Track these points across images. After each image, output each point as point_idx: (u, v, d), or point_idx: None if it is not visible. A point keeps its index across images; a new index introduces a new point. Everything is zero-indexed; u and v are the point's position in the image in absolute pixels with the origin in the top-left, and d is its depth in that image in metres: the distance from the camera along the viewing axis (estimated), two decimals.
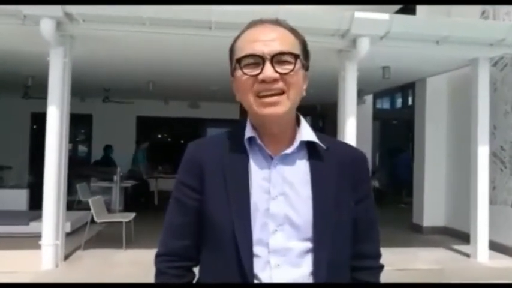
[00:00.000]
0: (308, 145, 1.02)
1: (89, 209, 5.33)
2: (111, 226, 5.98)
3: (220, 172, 0.99)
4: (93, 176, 8.80)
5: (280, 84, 0.94)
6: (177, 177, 1.06)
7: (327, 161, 1.01)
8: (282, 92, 0.94)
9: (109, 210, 6.73)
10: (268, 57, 0.93)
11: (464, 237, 5.72)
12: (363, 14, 4.49)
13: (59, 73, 4.52)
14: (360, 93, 7.46)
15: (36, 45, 4.72)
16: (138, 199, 9.27)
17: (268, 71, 0.92)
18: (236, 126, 1.05)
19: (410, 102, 11.83)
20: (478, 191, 5.19)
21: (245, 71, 0.95)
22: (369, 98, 10.15)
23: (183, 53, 5.58)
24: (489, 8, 5.96)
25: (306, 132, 1.02)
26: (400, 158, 10.52)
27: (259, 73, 0.93)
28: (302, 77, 0.99)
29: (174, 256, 1.03)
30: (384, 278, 1.12)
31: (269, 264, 0.94)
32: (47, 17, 4.15)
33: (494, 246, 5.35)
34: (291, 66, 0.94)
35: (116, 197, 7.99)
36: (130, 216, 5.64)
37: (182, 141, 11.39)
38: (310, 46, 1.06)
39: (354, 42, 4.71)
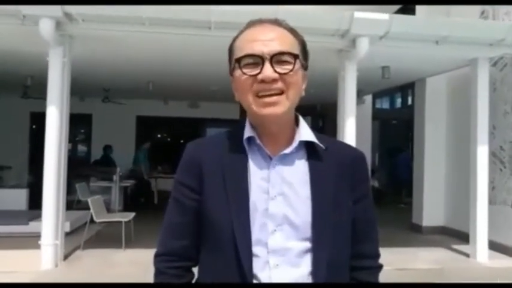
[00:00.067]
0: (307, 145, 1.02)
1: (88, 208, 5.33)
2: (110, 226, 5.98)
3: (219, 172, 0.99)
4: (93, 175, 8.80)
5: (279, 84, 0.94)
6: (176, 177, 1.06)
7: (326, 161, 1.01)
8: (281, 92, 0.94)
9: (108, 210, 6.73)
10: (268, 57, 0.93)
11: (464, 237, 5.73)
12: (362, 14, 4.50)
13: (58, 73, 4.52)
14: (360, 93, 7.46)
15: (35, 45, 4.72)
16: (138, 199, 9.28)
17: (268, 70, 0.92)
18: (235, 126, 1.05)
19: (409, 102, 11.84)
20: (478, 191, 5.19)
21: (244, 70, 0.95)
22: (368, 98, 10.15)
23: (183, 53, 5.58)
24: (488, 8, 5.96)
25: (305, 132, 1.02)
26: (400, 158, 10.53)
27: (259, 73, 0.93)
28: (301, 77, 0.99)
29: (173, 256, 1.03)
30: (384, 277, 1.12)
31: (268, 264, 0.94)
32: (46, 17, 4.14)
33: (493, 246, 5.35)
34: (290, 66, 0.94)
35: (116, 196, 8.00)
36: (130, 216, 5.64)
37: (182, 141, 11.39)
38: (310, 46, 1.06)
39: (353, 42, 4.71)
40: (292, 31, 1.00)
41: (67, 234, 5.13)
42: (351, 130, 4.94)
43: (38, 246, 4.43)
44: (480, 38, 4.97)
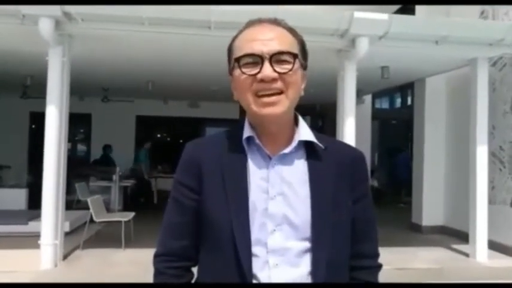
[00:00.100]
0: (306, 145, 1.02)
1: (88, 208, 5.33)
2: (110, 225, 5.98)
3: (218, 172, 0.99)
4: (92, 175, 8.80)
5: (278, 84, 0.94)
6: (175, 177, 1.06)
7: (325, 161, 1.01)
8: (280, 92, 0.94)
9: (108, 209, 6.73)
10: (267, 56, 0.93)
11: (463, 237, 5.73)
12: (362, 14, 4.50)
13: (57, 72, 4.51)
14: (359, 93, 7.47)
15: (35, 45, 4.71)
16: (138, 199, 9.29)
17: (267, 70, 0.92)
18: (234, 126, 1.05)
19: (409, 102, 11.85)
20: (477, 191, 5.20)
21: (244, 70, 0.95)
22: (368, 98, 10.16)
23: (183, 52, 5.58)
24: (488, 8, 5.96)
25: (304, 132, 1.02)
26: (399, 157, 10.54)
27: (258, 72, 0.93)
28: (301, 77, 0.99)
29: (173, 256, 1.03)
30: (383, 277, 1.12)
31: (268, 264, 0.94)
32: (45, 17, 4.14)
33: (493, 245, 5.36)
34: (289, 66, 0.94)
35: (115, 196, 8.00)
36: (130, 215, 5.64)
37: (181, 141, 11.39)
38: (310, 46, 1.06)
39: (353, 42, 4.71)
40: (292, 31, 1.00)
41: (66, 234, 5.13)
42: (350, 130, 4.94)
43: (37, 246, 4.43)
44: (479, 38, 4.97)
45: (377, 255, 1.11)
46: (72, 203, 7.28)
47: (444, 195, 6.93)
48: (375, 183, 10.33)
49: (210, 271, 1.00)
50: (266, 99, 0.94)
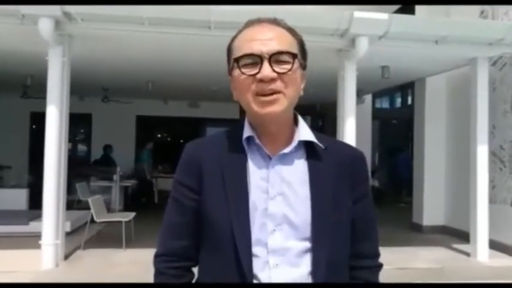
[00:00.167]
0: (306, 145, 1.02)
1: (88, 208, 5.33)
2: (111, 225, 5.99)
3: (218, 172, 0.99)
4: (93, 175, 8.80)
5: (278, 84, 0.94)
6: (175, 177, 1.06)
7: (325, 161, 1.01)
8: (279, 92, 0.94)
9: (109, 209, 6.74)
10: (267, 56, 0.93)
11: (464, 236, 5.73)
12: (362, 13, 4.50)
13: (57, 72, 4.52)
14: (359, 93, 7.47)
15: (35, 45, 4.72)
16: (140, 198, 9.29)
17: (266, 70, 0.92)
18: (234, 126, 1.05)
19: (409, 101, 11.83)
20: (478, 190, 5.20)
21: (243, 70, 0.95)
22: (368, 98, 10.15)
23: (183, 52, 5.58)
24: (488, 8, 5.96)
25: (304, 132, 1.02)
26: (400, 157, 10.54)
27: (257, 72, 0.93)
28: (300, 76, 0.99)
29: (173, 256, 1.03)
30: (384, 277, 1.12)
31: (268, 264, 0.94)
32: (45, 17, 4.14)
33: (494, 245, 5.35)
34: (289, 66, 0.94)
35: (116, 196, 8.00)
36: (130, 215, 5.64)
37: (182, 141, 11.40)
38: (309, 46, 1.06)
39: (353, 41, 4.71)
40: (291, 30, 1.00)
41: (67, 234, 5.13)
42: (350, 130, 4.94)
43: (38, 246, 4.43)
44: (479, 37, 4.97)
45: (377, 255, 1.11)
46: (72, 203, 7.28)
47: (445, 194, 6.92)
48: (376, 183, 10.33)
49: (210, 271, 1.00)
50: (265, 98, 0.94)
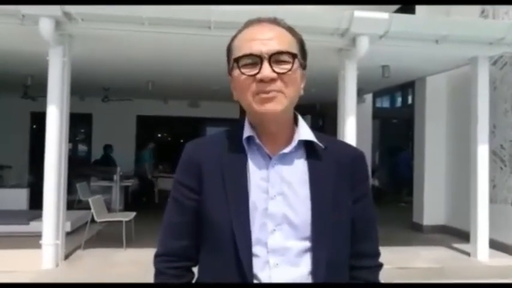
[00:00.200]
0: (306, 144, 1.02)
1: (89, 208, 5.33)
2: (111, 225, 5.99)
3: (218, 172, 0.98)
4: (93, 175, 8.81)
5: (278, 84, 0.93)
6: (175, 177, 1.06)
7: (325, 160, 1.01)
8: (280, 91, 0.94)
9: (109, 209, 6.73)
10: (266, 56, 0.92)
11: (464, 236, 5.73)
12: (362, 13, 4.49)
13: (58, 72, 4.52)
14: (360, 92, 7.45)
15: (35, 45, 4.72)
16: (141, 198, 9.30)
17: (266, 70, 0.92)
18: (234, 126, 1.05)
19: (410, 101, 11.83)
20: (478, 190, 5.19)
21: (243, 70, 0.94)
22: (368, 97, 10.15)
23: (183, 52, 5.58)
24: (488, 7, 5.95)
25: (304, 132, 1.02)
26: (400, 156, 10.53)
27: (257, 73, 0.93)
28: (300, 76, 0.99)
29: (173, 256, 1.03)
30: (384, 276, 1.12)
31: (268, 264, 0.94)
32: (45, 17, 4.14)
33: (494, 244, 5.35)
34: (288, 66, 0.94)
35: (116, 196, 8.00)
36: (131, 215, 5.64)
37: (182, 141, 11.41)
38: (310, 45, 1.06)
39: (353, 41, 4.71)
40: (291, 30, 1.00)
41: (68, 234, 5.13)
42: (351, 129, 4.93)
43: (38, 246, 4.44)
44: (480, 36, 4.97)
45: (378, 254, 1.11)
46: (73, 203, 7.28)
47: (445, 194, 6.92)
48: (376, 183, 10.33)
49: (210, 271, 1.00)
50: (265, 95, 0.93)
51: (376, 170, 11.01)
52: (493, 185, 5.67)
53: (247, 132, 1.00)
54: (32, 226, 5.60)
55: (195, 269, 1.06)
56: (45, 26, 4.16)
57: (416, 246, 5.84)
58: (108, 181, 8.19)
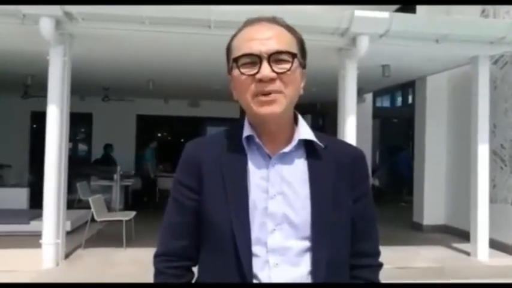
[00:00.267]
0: (306, 144, 1.02)
1: (89, 207, 5.34)
2: (111, 225, 5.99)
3: (218, 171, 0.98)
4: (94, 174, 8.81)
5: (277, 83, 0.93)
6: (175, 177, 1.06)
7: (325, 160, 1.01)
8: (279, 92, 0.94)
9: (109, 209, 6.74)
10: (266, 56, 0.92)
11: (465, 236, 5.73)
12: (362, 12, 4.49)
13: (58, 72, 4.52)
14: (360, 92, 7.46)
15: (35, 44, 4.72)
16: (143, 198, 9.30)
17: (266, 70, 0.92)
18: (234, 125, 1.05)
19: (410, 100, 11.84)
20: (478, 189, 5.19)
21: (242, 70, 0.94)
22: (368, 97, 10.15)
23: (183, 51, 5.58)
24: (489, 7, 5.95)
25: (304, 131, 1.02)
26: (400, 156, 10.53)
27: (257, 72, 0.92)
28: (299, 76, 0.99)
29: (173, 256, 1.03)
30: (384, 276, 1.12)
31: (268, 264, 0.94)
32: (46, 16, 4.15)
33: (494, 244, 5.35)
34: (288, 65, 0.94)
35: (116, 195, 8.01)
36: (131, 214, 5.64)
37: (182, 140, 11.41)
38: (310, 45, 1.06)
39: (353, 40, 4.70)
40: (290, 29, 1.00)
41: (68, 233, 5.14)
42: (351, 129, 4.93)
43: (39, 245, 4.44)
44: (481, 36, 4.96)
45: (378, 254, 1.10)
46: (73, 203, 7.29)
47: (445, 194, 6.92)
48: (376, 182, 10.33)
49: (210, 271, 1.00)
50: (264, 98, 0.93)
51: (376, 169, 11.01)
52: (493, 185, 5.66)
53: (246, 131, 0.99)
54: (32, 225, 5.61)
55: (195, 269, 1.06)
56: (46, 26, 4.16)
57: (416, 245, 5.84)
58: (108, 180, 8.20)
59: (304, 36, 1.04)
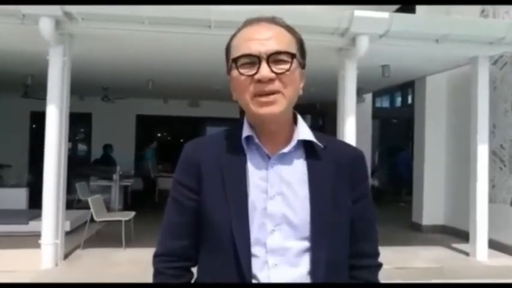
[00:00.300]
0: (305, 144, 1.01)
1: (88, 208, 5.33)
2: (110, 225, 5.99)
3: (217, 172, 0.98)
4: (93, 175, 8.80)
5: (276, 84, 0.93)
6: (174, 177, 1.06)
7: (325, 160, 1.01)
8: (278, 92, 0.94)
9: (108, 209, 6.74)
10: (265, 56, 0.92)
11: (464, 236, 5.73)
12: (362, 12, 4.49)
13: (58, 72, 4.52)
14: (360, 92, 7.46)
15: (35, 44, 4.72)
16: (145, 198, 9.29)
17: (265, 70, 0.92)
18: (234, 125, 1.05)
19: (409, 100, 11.84)
20: (478, 190, 5.19)
21: (241, 71, 0.94)
22: (368, 97, 10.15)
23: (183, 51, 5.58)
24: (489, 7, 5.95)
25: (303, 131, 1.02)
26: (400, 156, 10.54)
27: (256, 73, 0.92)
28: (299, 76, 0.99)
29: (172, 256, 1.03)
30: (383, 276, 1.12)
31: (267, 264, 0.94)
32: (46, 16, 4.14)
33: (493, 244, 5.35)
34: (287, 66, 0.93)
35: (116, 195, 8.00)
36: (130, 215, 5.64)
37: (182, 140, 11.40)
38: (309, 45, 1.06)
39: (353, 40, 4.70)
40: (290, 29, 1.00)
41: (67, 233, 5.13)
42: (350, 129, 4.93)
43: (38, 246, 4.44)
44: (480, 36, 4.96)
45: (377, 254, 1.11)
46: (72, 203, 7.28)
47: (445, 194, 6.92)
48: (376, 183, 10.33)
49: (209, 271, 1.00)
50: (263, 99, 0.93)
51: (375, 170, 11.01)
52: (492, 185, 5.67)
53: (246, 132, 0.99)
54: (32, 226, 5.60)
55: (194, 269, 1.06)
56: (46, 26, 4.16)
57: (415, 246, 5.84)
58: (108, 181, 8.19)
59: (304, 36, 1.04)
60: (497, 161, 5.75)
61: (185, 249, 1.03)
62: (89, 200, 5.35)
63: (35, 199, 6.22)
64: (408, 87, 10.63)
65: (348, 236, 1.02)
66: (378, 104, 12.66)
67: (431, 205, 6.90)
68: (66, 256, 4.80)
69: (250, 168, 0.98)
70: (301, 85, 1.01)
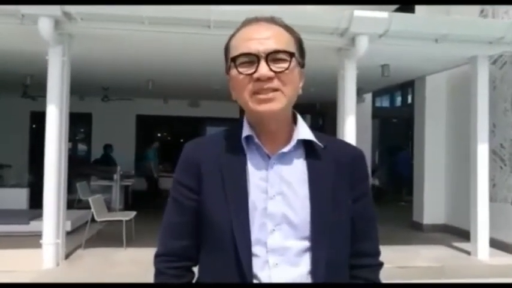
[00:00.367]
0: (305, 144, 1.02)
1: (89, 207, 5.34)
2: (111, 225, 5.99)
3: (217, 172, 0.98)
4: (93, 174, 8.81)
5: (275, 83, 0.93)
6: (174, 177, 1.06)
7: (325, 160, 1.01)
8: (277, 89, 0.94)
9: (109, 209, 6.74)
10: (263, 55, 0.92)
11: (465, 235, 5.73)
12: (362, 12, 4.49)
13: (57, 72, 4.52)
14: (359, 92, 7.46)
15: (35, 44, 4.72)
16: (148, 197, 9.28)
17: (263, 69, 0.92)
18: (233, 125, 1.05)
19: (409, 100, 11.84)
20: (478, 189, 5.19)
21: (240, 70, 0.94)
22: (368, 97, 10.15)
23: (183, 51, 5.58)
24: (488, 7, 5.95)
25: (303, 131, 1.02)
26: (400, 156, 10.54)
27: (254, 72, 0.92)
28: (298, 75, 0.99)
29: (173, 256, 1.03)
30: (384, 275, 1.12)
31: (268, 264, 0.94)
32: (45, 16, 4.14)
33: (494, 243, 5.35)
34: (286, 65, 0.94)
35: (116, 195, 8.01)
36: (131, 214, 5.65)
37: (182, 140, 11.40)
38: (309, 44, 1.06)
39: (353, 40, 4.70)
40: (288, 29, 1.00)
41: (68, 233, 5.14)
42: (350, 129, 4.93)
43: (39, 246, 4.44)
44: (480, 36, 4.96)
45: (378, 253, 1.10)
46: (73, 203, 7.28)
47: (445, 193, 6.92)
48: (376, 182, 10.34)
49: (210, 271, 1.00)
50: (262, 96, 0.93)
51: (376, 169, 11.01)
52: (492, 184, 5.67)
53: (246, 131, 0.99)
54: (32, 226, 5.61)
55: (195, 269, 1.06)
56: (45, 26, 4.16)
57: (416, 245, 5.85)
58: (108, 180, 8.20)
59: (304, 36, 1.04)
60: (497, 160, 5.75)
61: (185, 249, 1.03)
62: (90, 199, 5.36)
63: (35, 199, 6.22)
64: (408, 86, 10.64)
65: (348, 235, 1.02)
66: (377, 104, 12.66)
67: (432, 204, 6.90)
68: (67, 256, 4.80)
69: (250, 168, 0.98)
70: (301, 84, 1.02)
